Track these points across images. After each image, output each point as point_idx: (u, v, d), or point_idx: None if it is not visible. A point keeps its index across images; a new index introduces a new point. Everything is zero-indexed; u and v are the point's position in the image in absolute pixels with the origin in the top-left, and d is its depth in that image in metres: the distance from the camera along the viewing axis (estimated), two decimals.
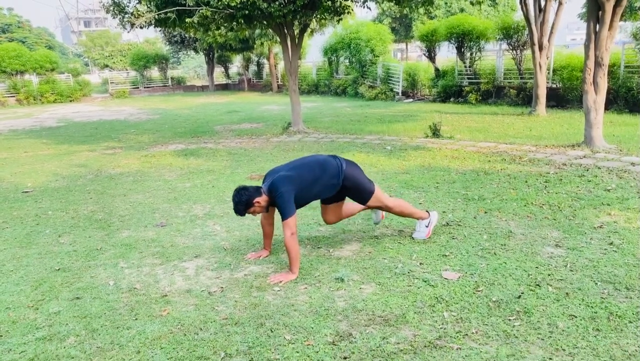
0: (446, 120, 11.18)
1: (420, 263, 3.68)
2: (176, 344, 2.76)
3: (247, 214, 3.76)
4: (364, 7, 10.04)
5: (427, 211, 4.24)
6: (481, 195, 5.37)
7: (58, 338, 2.89)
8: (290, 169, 3.82)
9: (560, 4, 11.38)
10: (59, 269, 3.92)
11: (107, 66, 40.03)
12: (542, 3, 11.42)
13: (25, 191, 6.65)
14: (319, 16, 10.58)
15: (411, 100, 17.85)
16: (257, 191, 3.71)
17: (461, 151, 7.85)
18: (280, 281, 3.50)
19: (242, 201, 3.65)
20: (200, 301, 3.27)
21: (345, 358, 2.55)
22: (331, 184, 3.80)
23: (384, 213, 4.42)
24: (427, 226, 4.17)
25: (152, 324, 2.99)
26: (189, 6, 8.36)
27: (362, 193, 3.91)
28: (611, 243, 3.86)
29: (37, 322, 3.09)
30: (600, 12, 7.09)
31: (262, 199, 3.69)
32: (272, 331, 2.84)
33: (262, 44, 24.49)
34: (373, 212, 4.43)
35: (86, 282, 3.66)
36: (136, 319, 3.07)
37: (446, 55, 21.33)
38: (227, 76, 34.54)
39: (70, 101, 26.89)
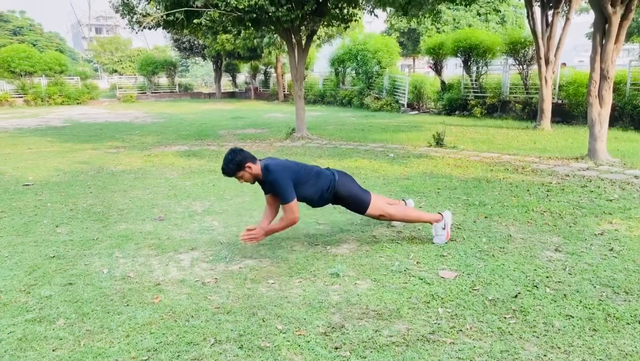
0: (450, 131, 11.15)
1: (418, 262, 3.65)
2: (166, 330, 2.72)
3: (234, 178, 3.74)
4: (371, 14, 10.09)
5: (439, 213, 4.11)
6: (482, 201, 5.33)
7: (48, 320, 2.86)
8: (288, 161, 3.91)
9: (567, 19, 11.41)
10: (53, 257, 3.90)
11: (115, 71, 40.38)
12: (550, 18, 11.44)
13: (26, 184, 6.66)
14: (326, 23, 10.62)
15: (416, 112, 17.87)
16: (252, 157, 3.72)
17: (464, 160, 7.82)
18: (254, 240, 3.60)
19: (235, 160, 3.63)
20: (193, 291, 3.24)
21: (336, 348, 2.51)
22: (325, 190, 3.82)
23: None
24: (444, 228, 4.02)
25: (143, 310, 2.96)
26: (197, 8, 8.42)
27: (357, 201, 3.91)
28: (611, 249, 3.81)
29: (27, 305, 3.06)
30: (606, 25, 7.09)
31: (254, 167, 3.68)
32: (263, 321, 2.81)
33: (269, 53, 24.61)
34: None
35: (80, 269, 3.64)
36: (127, 305, 3.04)
37: (453, 71, 21.42)
38: (234, 84, 34.75)
39: (78, 103, 27.06)
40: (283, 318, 2.84)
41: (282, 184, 3.61)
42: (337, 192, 3.87)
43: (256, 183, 3.85)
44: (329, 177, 3.89)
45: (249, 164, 3.65)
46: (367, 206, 3.90)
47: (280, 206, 3.70)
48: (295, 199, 3.64)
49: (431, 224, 4.09)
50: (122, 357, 2.46)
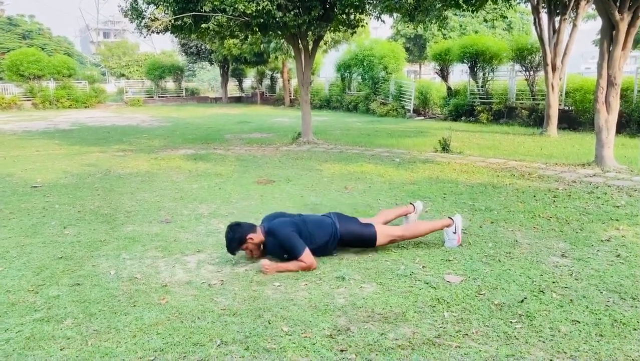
0: (456, 137, 11.15)
1: (423, 266, 3.65)
2: (172, 330, 2.74)
3: (240, 252, 3.77)
4: (378, 20, 10.12)
5: (449, 217, 4.15)
6: (488, 206, 5.33)
7: (55, 320, 2.88)
8: (289, 216, 3.90)
9: (574, 26, 11.41)
10: (61, 258, 3.93)
11: (123, 75, 40.60)
12: (557, 25, 11.45)
13: (34, 186, 6.71)
14: (332, 28, 10.67)
15: (422, 118, 17.88)
16: (251, 227, 3.74)
17: (470, 166, 7.82)
18: (267, 270, 3.53)
19: (236, 238, 3.66)
20: (199, 292, 3.26)
21: (342, 350, 2.52)
22: (328, 241, 3.82)
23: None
24: (454, 232, 4.06)
25: (150, 311, 2.98)
26: (205, 12, 8.48)
27: (363, 240, 3.93)
28: (618, 255, 3.80)
29: (35, 305, 3.09)
30: (614, 32, 7.09)
31: (255, 236, 3.69)
32: (269, 323, 2.82)
33: (276, 58, 24.74)
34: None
35: (87, 270, 3.67)
36: (134, 306, 3.06)
37: (459, 77, 21.43)
38: (241, 89, 34.91)
39: (85, 107, 27.28)
40: (289, 320, 2.85)
41: (291, 241, 3.61)
42: (342, 239, 3.88)
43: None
44: (330, 227, 3.85)
45: (249, 236, 3.67)
46: (374, 240, 3.90)
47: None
48: (307, 249, 3.61)
49: (442, 230, 4.12)
50: (129, 357, 2.48)
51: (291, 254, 3.62)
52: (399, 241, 4.06)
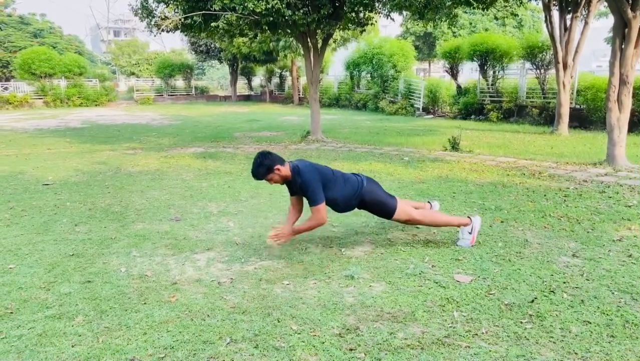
0: (466, 135, 11.10)
1: (433, 266, 3.64)
2: (183, 328, 2.76)
3: (264, 180, 3.77)
4: (387, 18, 10.09)
5: (468, 217, 4.11)
6: (498, 205, 5.30)
7: (67, 316, 2.91)
8: (317, 164, 3.91)
9: (586, 23, 11.29)
10: (72, 255, 3.96)
11: (133, 73, 40.89)
12: (568, 22, 11.35)
13: (45, 184, 6.77)
14: (342, 26, 10.65)
15: (431, 116, 17.81)
16: (281, 159, 3.74)
17: (480, 165, 7.77)
18: (281, 239, 3.65)
19: (265, 164, 3.65)
20: (209, 290, 3.27)
21: (351, 349, 2.52)
22: (352, 196, 3.83)
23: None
24: (470, 233, 4.03)
25: (160, 309, 3.00)
26: (215, 11, 8.51)
27: (383, 207, 3.94)
28: (630, 256, 3.76)
29: (47, 301, 3.12)
30: (626, 30, 7.01)
31: (283, 169, 3.70)
32: (278, 321, 2.82)
33: (285, 56, 24.76)
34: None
35: (98, 267, 3.70)
36: (145, 303, 3.08)
37: (469, 75, 21.30)
38: (250, 87, 35.00)
39: (96, 105, 27.49)
40: (298, 318, 2.85)
41: (312, 186, 3.63)
42: (363, 198, 3.89)
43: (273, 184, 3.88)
44: (356, 183, 3.88)
45: (277, 166, 3.67)
46: (393, 211, 3.91)
47: (309, 207, 3.72)
48: (324, 202, 3.67)
49: (457, 227, 4.10)
50: (140, 354, 2.50)
51: (309, 201, 3.68)
52: (414, 224, 4.10)
